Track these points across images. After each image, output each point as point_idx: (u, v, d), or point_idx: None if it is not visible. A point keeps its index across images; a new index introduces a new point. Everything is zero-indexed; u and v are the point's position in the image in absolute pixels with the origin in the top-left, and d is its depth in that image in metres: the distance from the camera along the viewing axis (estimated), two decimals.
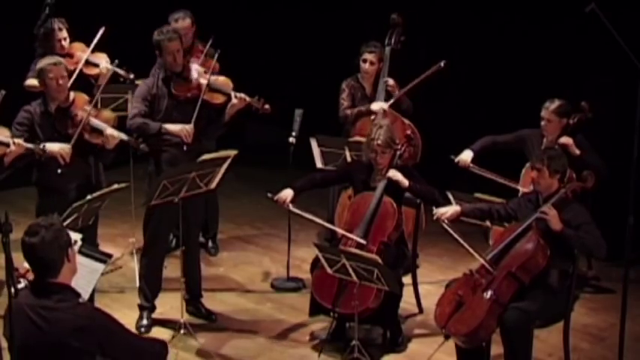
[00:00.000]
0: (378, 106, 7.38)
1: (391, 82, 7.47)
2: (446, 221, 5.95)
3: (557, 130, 6.84)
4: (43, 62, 6.22)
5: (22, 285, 4.47)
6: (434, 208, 6.05)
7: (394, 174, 6.38)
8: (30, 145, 6.06)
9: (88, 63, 7.29)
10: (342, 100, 7.58)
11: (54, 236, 4.13)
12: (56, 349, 4.09)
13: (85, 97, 6.42)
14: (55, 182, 6.22)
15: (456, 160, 7.02)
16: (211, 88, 6.59)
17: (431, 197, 6.50)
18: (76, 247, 4.86)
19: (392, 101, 7.39)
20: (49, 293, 4.13)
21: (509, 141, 7.07)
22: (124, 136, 6.32)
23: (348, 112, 7.51)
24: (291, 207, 6.47)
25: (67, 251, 4.18)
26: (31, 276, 4.33)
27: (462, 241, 5.84)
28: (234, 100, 6.53)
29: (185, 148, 6.46)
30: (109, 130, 6.25)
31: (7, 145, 6.01)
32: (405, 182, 6.37)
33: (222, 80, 6.73)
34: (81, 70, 7.19)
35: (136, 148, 6.46)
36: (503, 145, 7.08)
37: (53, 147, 6.12)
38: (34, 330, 4.10)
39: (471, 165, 6.99)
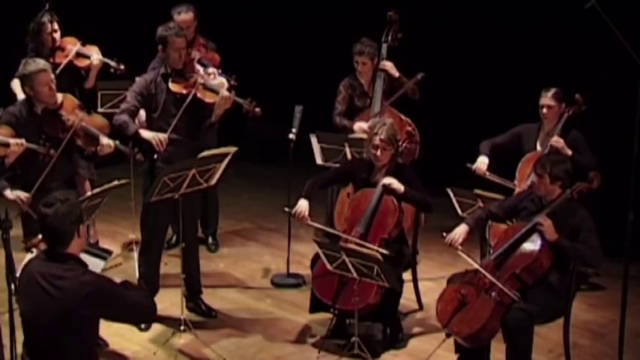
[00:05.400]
0: (357, 126, 7.36)
1: (388, 65, 7.45)
2: (460, 247, 5.89)
3: (556, 117, 6.89)
4: (29, 69, 6.10)
5: (32, 255, 4.72)
6: (444, 234, 5.95)
7: (390, 182, 6.35)
8: (33, 146, 5.98)
9: (79, 55, 7.29)
10: (336, 104, 7.57)
11: (67, 210, 4.36)
12: (65, 316, 4.29)
13: (74, 100, 6.37)
14: (37, 179, 6.12)
15: (473, 168, 6.95)
16: (205, 87, 6.59)
17: (424, 203, 6.48)
18: None
19: (370, 124, 7.05)
20: (58, 262, 4.36)
21: (505, 141, 7.09)
22: (119, 146, 6.32)
23: (337, 119, 7.52)
24: (309, 221, 6.41)
25: (78, 226, 4.40)
26: (42, 246, 4.57)
27: (480, 268, 5.76)
28: (218, 99, 6.52)
29: (155, 156, 6.46)
30: (105, 140, 6.22)
31: (7, 145, 5.92)
32: (401, 189, 6.33)
33: (218, 81, 6.74)
34: (71, 62, 7.18)
35: (132, 157, 6.44)
36: (499, 146, 7.07)
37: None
38: (44, 297, 4.30)
39: (488, 173, 6.91)
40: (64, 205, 4.35)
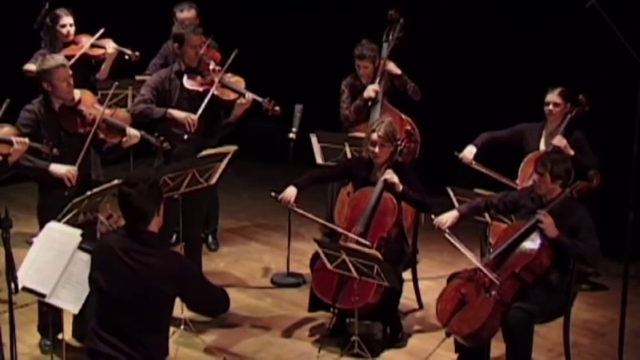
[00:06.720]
0: (370, 89, 7.37)
1: (389, 64, 7.44)
2: (447, 231, 5.95)
3: (561, 116, 6.89)
4: (48, 64, 6.04)
5: (102, 228, 4.98)
6: (433, 216, 6.03)
7: (391, 176, 6.35)
8: (36, 144, 5.93)
9: (93, 46, 7.30)
10: (342, 103, 7.55)
11: (150, 190, 4.45)
12: (147, 292, 4.38)
13: (92, 95, 6.37)
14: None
15: (460, 156, 7.02)
16: (223, 85, 6.61)
17: (422, 203, 6.48)
18: (76, 242, 4.89)
19: (382, 80, 7.34)
20: (142, 240, 4.46)
21: (507, 136, 7.11)
22: (146, 135, 6.30)
23: (347, 112, 7.50)
24: (294, 207, 6.46)
25: (159, 205, 4.53)
26: (115, 222, 4.78)
27: (464, 250, 5.84)
28: (242, 100, 6.55)
29: (186, 137, 6.45)
30: (132, 131, 6.20)
31: (10, 143, 5.84)
32: (400, 187, 6.33)
33: (235, 79, 6.76)
34: (86, 54, 7.18)
35: (159, 147, 6.42)
36: (500, 140, 7.10)
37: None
38: (128, 272, 4.38)
39: (474, 162, 6.99)
40: (146, 184, 4.44)
